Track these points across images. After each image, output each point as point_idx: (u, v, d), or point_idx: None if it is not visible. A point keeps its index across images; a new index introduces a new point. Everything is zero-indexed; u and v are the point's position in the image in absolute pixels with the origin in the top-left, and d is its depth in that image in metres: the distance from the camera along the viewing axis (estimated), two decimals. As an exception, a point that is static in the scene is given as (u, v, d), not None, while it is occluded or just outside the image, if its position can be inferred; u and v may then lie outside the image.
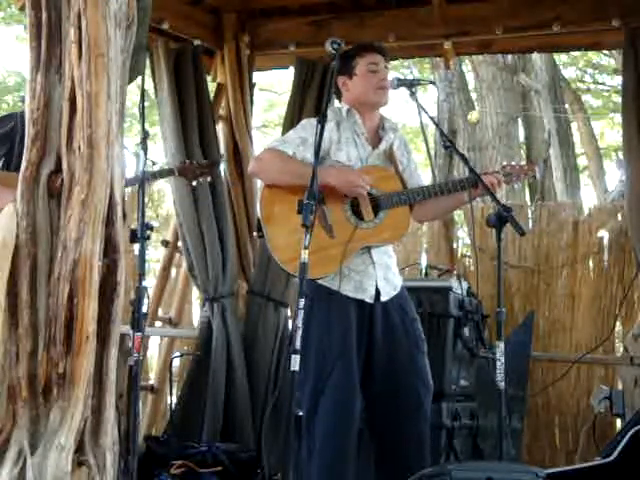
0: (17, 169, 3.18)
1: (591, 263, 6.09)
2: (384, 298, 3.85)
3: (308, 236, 3.22)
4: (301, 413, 3.73)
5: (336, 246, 3.71)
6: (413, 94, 3.85)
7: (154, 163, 4.84)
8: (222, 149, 6.20)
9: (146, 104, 3.88)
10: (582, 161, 13.65)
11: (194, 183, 4.97)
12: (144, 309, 3.59)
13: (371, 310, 3.82)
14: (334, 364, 3.70)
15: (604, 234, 6.08)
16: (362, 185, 3.74)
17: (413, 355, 3.86)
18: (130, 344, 3.56)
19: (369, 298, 3.82)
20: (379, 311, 3.83)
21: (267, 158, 3.85)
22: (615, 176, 13.18)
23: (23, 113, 4.29)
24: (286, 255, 3.70)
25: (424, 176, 4.15)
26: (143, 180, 3.78)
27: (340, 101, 4.04)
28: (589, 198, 13.01)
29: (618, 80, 11.31)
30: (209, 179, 5.03)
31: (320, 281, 3.74)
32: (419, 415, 3.84)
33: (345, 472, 3.72)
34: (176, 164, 5.06)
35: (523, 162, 4.02)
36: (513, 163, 4.00)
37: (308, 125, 3.86)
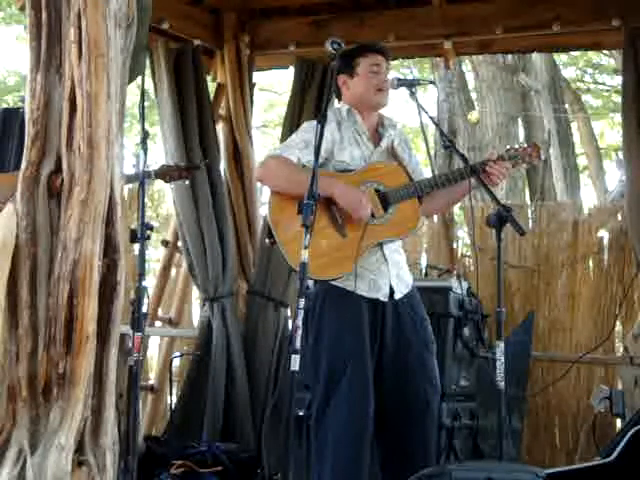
0: None
1: (591, 263, 6.08)
2: (397, 296, 3.85)
3: (308, 236, 3.22)
4: (301, 413, 3.73)
5: (349, 245, 3.71)
6: (413, 94, 3.85)
7: (134, 165, 4.85)
8: (222, 149, 6.20)
9: (146, 104, 3.87)
10: (582, 161, 13.65)
11: (172, 185, 4.99)
12: (144, 309, 3.59)
13: (383, 309, 3.82)
14: (346, 365, 3.69)
15: (604, 234, 6.08)
16: (364, 213, 3.71)
17: (423, 356, 3.86)
18: (130, 344, 3.56)
19: (383, 296, 3.82)
20: (390, 310, 3.83)
21: (273, 166, 3.84)
22: (615, 176, 13.17)
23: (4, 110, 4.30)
24: (299, 258, 3.70)
25: (425, 175, 4.14)
26: (143, 180, 3.78)
27: (340, 100, 4.04)
28: (589, 198, 13.01)
29: (618, 80, 11.30)
30: (187, 182, 5.04)
31: (334, 282, 3.74)
32: (426, 416, 3.83)
33: (360, 473, 3.71)
34: (154, 168, 5.07)
35: (525, 145, 3.98)
36: (517, 146, 3.98)
37: (309, 127, 3.86)
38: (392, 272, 3.85)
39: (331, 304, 3.73)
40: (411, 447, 3.80)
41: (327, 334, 3.72)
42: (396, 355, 3.82)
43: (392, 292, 3.84)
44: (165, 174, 4.80)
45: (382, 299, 3.82)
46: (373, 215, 3.78)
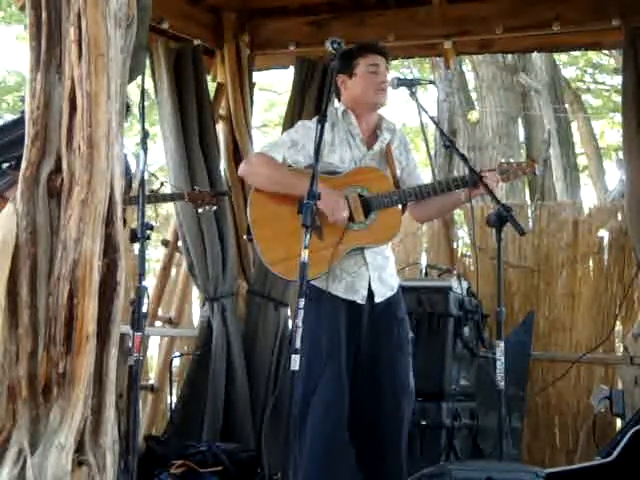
0: None
1: (591, 263, 6.08)
2: (378, 299, 3.84)
3: (308, 236, 3.22)
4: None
5: (327, 248, 3.70)
6: (413, 94, 3.85)
7: (162, 184, 4.95)
8: (222, 149, 6.20)
9: (146, 104, 3.87)
10: (582, 161, 13.66)
11: (200, 210, 5.07)
12: (144, 309, 3.59)
13: (360, 311, 3.82)
14: (324, 365, 3.70)
15: (604, 234, 6.08)
16: (340, 217, 3.70)
17: (394, 357, 3.85)
18: (130, 344, 3.56)
19: (360, 299, 3.81)
20: (367, 312, 3.83)
21: (256, 163, 3.86)
22: (615, 176, 13.19)
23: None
24: (273, 257, 3.73)
25: (424, 176, 4.14)
26: (143, 180, 3.77)
27: (339, 100, 4.03)
28: (589, 198, 13.03)
29: (618, 80, 11.30)
30: (214, 208, 5.11)
31: (312, 282, 3.73)
32: (396, 417, 3.83)
33: (335, 472, 3.71)
34: (187, 190, 5.14)
35: (522, 159, 3.98)
36: (511, 160, 3.99)
37: (301, 128, 3.87)
38: (373, 275, 3.84)
39: (309, 303, 3.72)
40: (383, 447, 3.81)
41: (305, 334, 3.71)
42: (370, 357, 3.83)
43: (372, 295, 3.84)
44: (197, 198, 4.88)
45: (359, 301, 3.81)
46: (353, 220, 3.77)
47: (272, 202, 3.75)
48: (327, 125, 3.80)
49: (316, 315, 3.72)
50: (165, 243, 6.40)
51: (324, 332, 3.74)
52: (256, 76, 6.52)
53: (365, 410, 3.81)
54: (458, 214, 7.06)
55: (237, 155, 6.22)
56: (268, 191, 3.78)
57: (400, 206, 3.88)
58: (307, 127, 3.81)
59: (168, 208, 7.11)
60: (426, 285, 5.17)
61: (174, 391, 5.88)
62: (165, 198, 5.10)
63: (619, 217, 6.00)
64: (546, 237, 6.17)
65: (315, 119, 3.71)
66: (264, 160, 3.81)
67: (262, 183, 3.81)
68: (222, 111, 6.32)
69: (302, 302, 3.19)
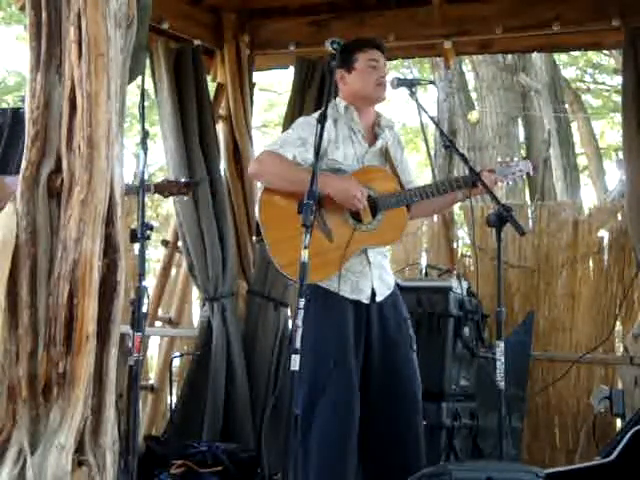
0: None
1: (591, 263, 6.08)
2: (379, 298, 3.85)
3: (308, 236, 3.22)
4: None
5: (335, 250, 3.70)
6: (413, 94, 3.85)
7: (135, 175, 4.90)
8: (222, 149, 6.20)
9: (146, 104, 3.87)
10: (582, 161, 13.66)
11: (177, 199, 5.03)
12: (144, 309, 3.59)
13: (368, 310, 3.82)
14: (331, 366, 3.69)
15: (604, 234, 6.08)
16: (359, 199, 3.71)
17: (408, 355, 3.87)
18: (130, 344, 3.56)
19: (365, 299, 3.82)
20: (375, 311, 3.83)
21: (267, 161, 3.82)
22: (615, 176, 13.19)
23: (16, 110, 4.30)
24: (285, 259, 3.71)
25: (424, 176, 4.15)
26: (142, 180, 3.77)
27: (336, 96, 4.01)
28: (589, 198, 13.03)
29: (618, 80, 11.31)
30: (186, 198, 5.06)
31: (318, 282, 3.73)
32: (416, 414, 3.85)
33: (345, 475, 3.71)
34: (154, 182, 5.10)
35: (517, 158, 3.98)
36: (508, 159, 3.99)
37: (306, 124, 3.85)
38: (374, 274, 3.85)
39: (316, 304, 3.71)
40: (403, 446, 3.80)
41: (312, 334, 3.69)
42: (383, 356, 3.82)
43: (374, 294, 3.84)
44: (164, 189, 4.84)
45: (364, 301, 3.82)
46: (361, 220, 3.77)
47: (282, 202, 3.73)
48: (330, 122, 3.80)
49: (323, 316, 3.73)
50: (165, 243, 6.40)
51: (332, 333, 3.74)
52: (256, 76, 6.52)
53: (384, 410, 3.80)
54: (458, 214, 7.07)
55: (237, 155, 6.23)
56: (280, 190, 3.76)
57: (405, 207, 3.89)
58: (310, 123, 3.77)
59: (168, 208, 7.10)
60: (426, 285, 5.16)
61: (174, 391, 5.88)
62: (130, 190, 5.05)
63: (619, 217, 6.00)
64: (546, 237, 6.17)
65: (316, 115, 3.71)
66: (276, 158, 3.78)
67: (274, 182, 3.79)
68: (222, 111, 6.32)
69: (302, 302, 3.19)
